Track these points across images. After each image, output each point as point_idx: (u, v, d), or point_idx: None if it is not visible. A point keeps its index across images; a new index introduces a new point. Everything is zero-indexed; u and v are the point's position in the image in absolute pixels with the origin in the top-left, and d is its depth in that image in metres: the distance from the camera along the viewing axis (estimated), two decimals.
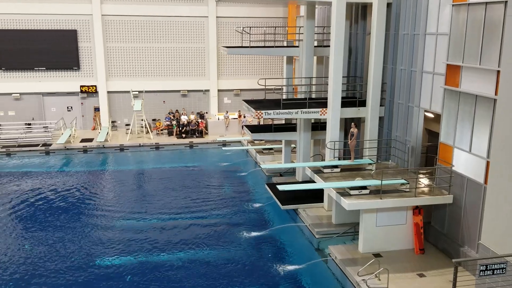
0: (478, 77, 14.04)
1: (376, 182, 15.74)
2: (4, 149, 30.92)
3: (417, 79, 17.45)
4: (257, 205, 22.14)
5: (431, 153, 18.57)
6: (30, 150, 31.01)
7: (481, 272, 10.87)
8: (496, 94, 13.20)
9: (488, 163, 13.69)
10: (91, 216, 20.98)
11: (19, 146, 31.38)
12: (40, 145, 31.63)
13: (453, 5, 14.98)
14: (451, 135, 15.49)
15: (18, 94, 34.22)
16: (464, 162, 14.98)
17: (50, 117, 34.90)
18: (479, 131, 14.23)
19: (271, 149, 28.12)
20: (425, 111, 17.49)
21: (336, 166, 17.85)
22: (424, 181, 16.82)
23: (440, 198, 15.54)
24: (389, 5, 18.55)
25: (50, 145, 31.65)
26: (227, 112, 35.26)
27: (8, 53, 33.52)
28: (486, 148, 13.91)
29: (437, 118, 16.92)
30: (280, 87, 23.32)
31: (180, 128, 34.22)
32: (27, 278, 15.72)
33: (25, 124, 34.04)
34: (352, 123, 18.75)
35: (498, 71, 13.11)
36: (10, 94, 34.08)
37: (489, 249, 12.82)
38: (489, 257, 12.15)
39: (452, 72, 15.20)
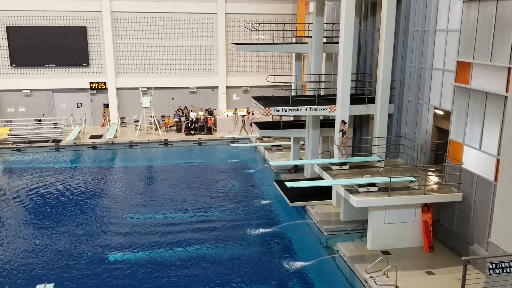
0: (489, 74, 13.93)
1: (385, 179, 15.69)
2: (14, 145, 31.19)
3: (426, 76, 17.33)
4: (265, 202, 22.15)
5: (440, 151, 18.46)
6: (40, 146, 31.27)
7: (491, 270, 10.81)
8: (507, 91, 13.09)
9: (498, 160, 13.58)
10: (99, 212, 21.13)
11: (30, 142, 31.62)
12: (50, 141, 31.89)
13: (464, 1, 14.86)
14: (461, 132, 15.38)
15: (29, 91, 34.49)
16: (474, 160, 14.88)
17: (60, 114, 35.18)
18: (489, 128, 14.13)
19: (279, 146, 28.11)
20: (435, 108, 17.38)
21: (344, 163, 17.82)
22: (433, 178, 16.73)
23: (450, 196, 15.45)
24: (399, 1, 18.41)
25: (60, 141, 31.88)
26: (236, 109, 35.27)
27: (18, 49, 33.80)
28: (496, 146, 13.81)
29: (447, 115, 16.81)
30: (289, 84, 23.29)
31: (189, 125, 34.31)
32: (36, 273, 15.85)
33: (35, 120, 34.37)
34: (341, 121, 18.24)
35: (509, 68, 13.01)
36: (21, 90, 34.38)
37: (499, 247, 12.72)
38: (499, 255, 12.07)
39: (463, 69, 15.09)
